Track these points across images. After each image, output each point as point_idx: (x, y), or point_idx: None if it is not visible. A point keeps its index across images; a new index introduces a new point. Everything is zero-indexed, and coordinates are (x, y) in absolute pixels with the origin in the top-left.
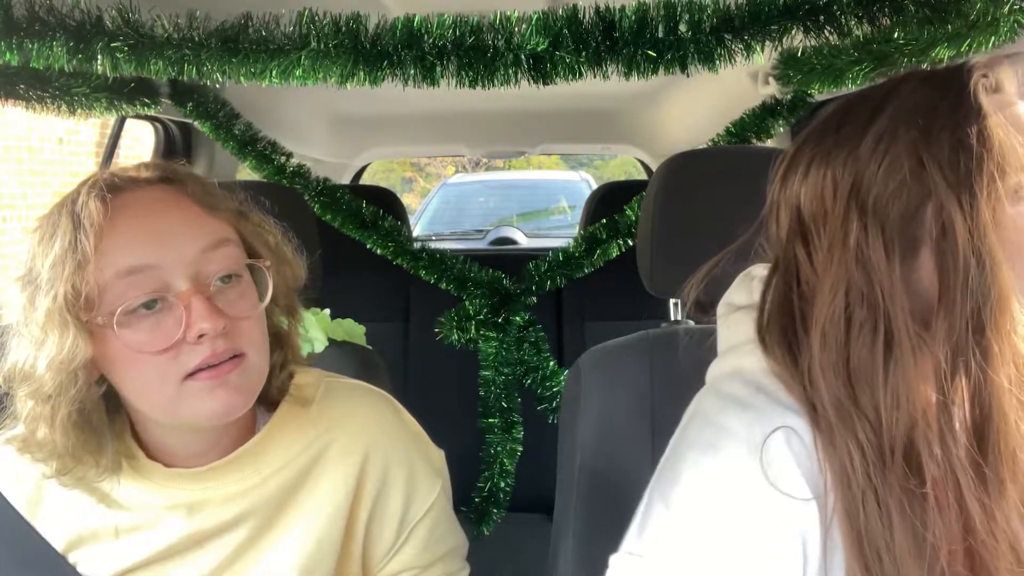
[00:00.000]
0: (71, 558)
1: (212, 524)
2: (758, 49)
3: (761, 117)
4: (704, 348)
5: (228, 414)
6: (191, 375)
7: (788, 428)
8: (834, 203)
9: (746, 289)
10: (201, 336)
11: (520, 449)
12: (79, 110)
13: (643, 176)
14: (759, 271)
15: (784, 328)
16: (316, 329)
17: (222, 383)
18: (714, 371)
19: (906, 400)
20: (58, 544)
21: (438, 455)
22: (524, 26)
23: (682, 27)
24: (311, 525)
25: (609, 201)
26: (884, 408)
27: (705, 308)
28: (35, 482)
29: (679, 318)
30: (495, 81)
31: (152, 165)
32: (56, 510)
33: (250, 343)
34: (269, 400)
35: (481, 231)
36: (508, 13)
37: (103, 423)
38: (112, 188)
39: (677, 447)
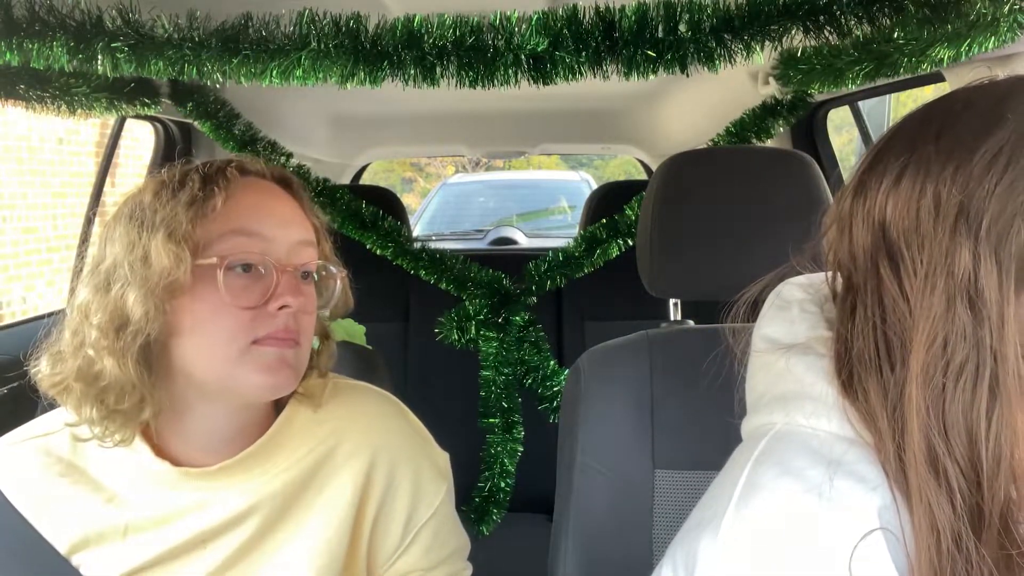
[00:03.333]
0: (75, 560)
1: (217, 522)
2: (758, 49)
3: (761, 117)
4: (704, 348)
5: (277, 390)
6: (257, 341)
7: (885, 529)
8: (935, 223)
9: (784, 320)
10: (281, 308)
11: (520, 449)
12: (79, 110)
13: (643, 176)
14: (794, 293)
15: (872, 365)
16: None
17: (281, 358)
18: (759, 428)
19: (1009, 455)
20: (63, 546)
21: (443, 457)
22: (524, 26)
23: (682, 27)
24: (320, 526)
25: (609, 201)
26: (984, 462)
27: (698, 310)
28: (43, 484)
29: (679, 318)
30: (495, 81)
31: (270, 167)
32: (62, 512)
33: (305, 336)
34: (282, 404)
35: (481, 231)
36: (508, 13)
37: (161, 365)
38: (243, 169)
39: (732, 526)
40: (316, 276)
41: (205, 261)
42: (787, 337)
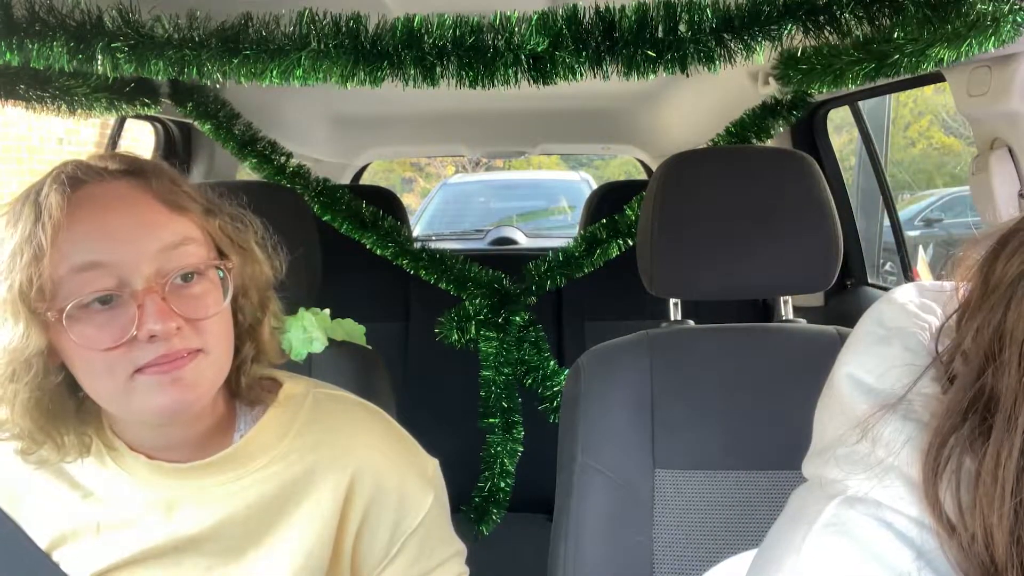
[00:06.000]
0: (55, 556)
1: (192, 529)
2: (758, 49)
3: (761, 117)
4: (705, 348)
5: (178, 411)
6: (140, 370)
7: None
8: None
9: (880, 357)
10: (153, 336)
11: (520, 449)
12: (79, 110)
13: (643, 176)
14: (898, 318)
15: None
16: (316, 329)
17: (174, 379)
18: (824, 481)
19: None
20: (43, 542)
21: (432, 464)
22: (524, 26)
23: (682, 27)
24: (299, 537)
25: (609, 201)
26: None
27: (698, 310)
28: (18, 480)
29: (679, 318)
30: (495, 81)
31: (119, 157)
32: (41, 508)
33: (209, 341)
34: (247, 398)
35: (481, 231)
36: (508, 13)
37: (64, 409)
38: (74, 181)
39: None
40: (221, 272)
41: (47, 315)
42: (880, 382)
